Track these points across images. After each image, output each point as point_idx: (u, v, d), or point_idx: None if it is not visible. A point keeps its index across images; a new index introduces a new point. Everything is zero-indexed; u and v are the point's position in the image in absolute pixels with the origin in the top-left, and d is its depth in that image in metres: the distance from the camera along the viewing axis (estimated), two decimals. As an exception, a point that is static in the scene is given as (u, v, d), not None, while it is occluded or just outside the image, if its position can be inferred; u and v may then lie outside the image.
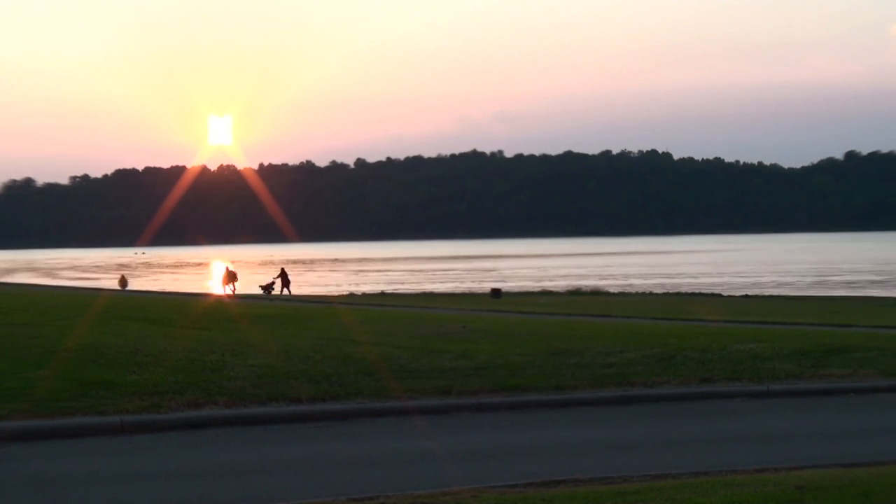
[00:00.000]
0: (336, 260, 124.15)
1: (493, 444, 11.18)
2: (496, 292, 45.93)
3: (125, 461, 10.32)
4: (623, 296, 49.46)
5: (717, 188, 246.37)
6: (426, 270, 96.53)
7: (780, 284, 65.61)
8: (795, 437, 11.78)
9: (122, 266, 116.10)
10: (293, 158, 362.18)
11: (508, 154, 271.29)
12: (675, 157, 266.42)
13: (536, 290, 55.92)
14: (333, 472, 9.87)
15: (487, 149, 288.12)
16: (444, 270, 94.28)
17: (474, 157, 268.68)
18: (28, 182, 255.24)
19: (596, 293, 52.14)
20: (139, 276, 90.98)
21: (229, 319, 21.64)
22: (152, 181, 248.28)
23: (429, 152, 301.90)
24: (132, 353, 15.21)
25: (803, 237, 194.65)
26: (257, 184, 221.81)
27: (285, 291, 44.68)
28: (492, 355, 16.14)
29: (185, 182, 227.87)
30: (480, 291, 52.80)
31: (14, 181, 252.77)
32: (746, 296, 49.58)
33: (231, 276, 47.26)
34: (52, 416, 11.67)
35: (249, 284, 50.23)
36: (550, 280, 67.95)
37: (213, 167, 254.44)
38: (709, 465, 9.69)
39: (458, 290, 56.75)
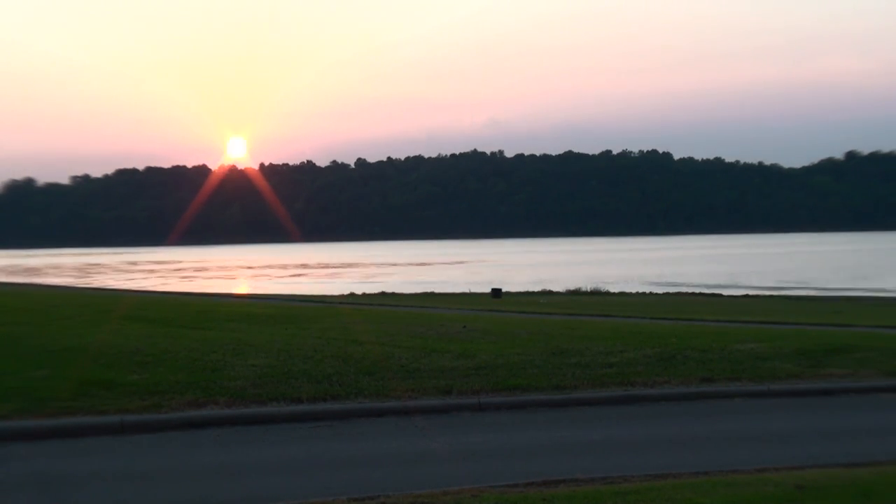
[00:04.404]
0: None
1: (494, 444, 11.20)
2: (496, 292, 45.88)
3: (125, 461, 10.33)
4: (623, 296, 49.40)
5: (717, 188, 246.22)
6: (428, 265, 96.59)
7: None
8: (795, 437, 11.79)
9: None
10: (293, 158, 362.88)
11: (508, 154, 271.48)
12: (675, 157, 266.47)
13: (537, 289, 55.88)
14: (333, 472, 9.88)
15: (487, 149, 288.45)
16: (445, 269, 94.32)
17: (474, 157, 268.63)
18: (29, 182, 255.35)
19: (596, 293, 52.07)
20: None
21: (230, 319, 21.65)
22: (153, 181, 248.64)
23: (429, 152, 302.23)
24: (133, 353, 15.25)
25: (803, 237, 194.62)
26: (259, 183, 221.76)
27: None
28: (492, 355, 16.15)
29: (187, 182, 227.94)
30: (480, 291, 52.76)
31: (15, 181, 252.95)
32: (747, 296, 49.56)
33: None
34: (52, 415, 11.69)
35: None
36: (550, 280, 67.96)
37: (213, 167, 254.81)
38: (709, 465, 9.71)
39: (458, 290, 56.72)
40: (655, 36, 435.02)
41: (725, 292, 53.42)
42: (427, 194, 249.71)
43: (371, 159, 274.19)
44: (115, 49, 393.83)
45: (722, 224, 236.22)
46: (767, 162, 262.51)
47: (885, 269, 79.14)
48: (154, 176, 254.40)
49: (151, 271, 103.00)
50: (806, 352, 16.86)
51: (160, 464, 10.18)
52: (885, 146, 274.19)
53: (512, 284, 61.49)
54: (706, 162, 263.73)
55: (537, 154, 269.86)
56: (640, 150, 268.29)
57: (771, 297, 48.46)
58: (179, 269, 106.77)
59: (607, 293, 52.57)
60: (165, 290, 56.65)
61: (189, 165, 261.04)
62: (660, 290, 55.39)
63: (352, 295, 49.92)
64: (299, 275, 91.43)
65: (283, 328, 19.88)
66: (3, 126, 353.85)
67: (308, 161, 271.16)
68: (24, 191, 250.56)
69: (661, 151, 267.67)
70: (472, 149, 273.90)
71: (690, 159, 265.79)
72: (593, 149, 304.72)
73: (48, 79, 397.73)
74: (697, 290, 54.84)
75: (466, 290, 55.47)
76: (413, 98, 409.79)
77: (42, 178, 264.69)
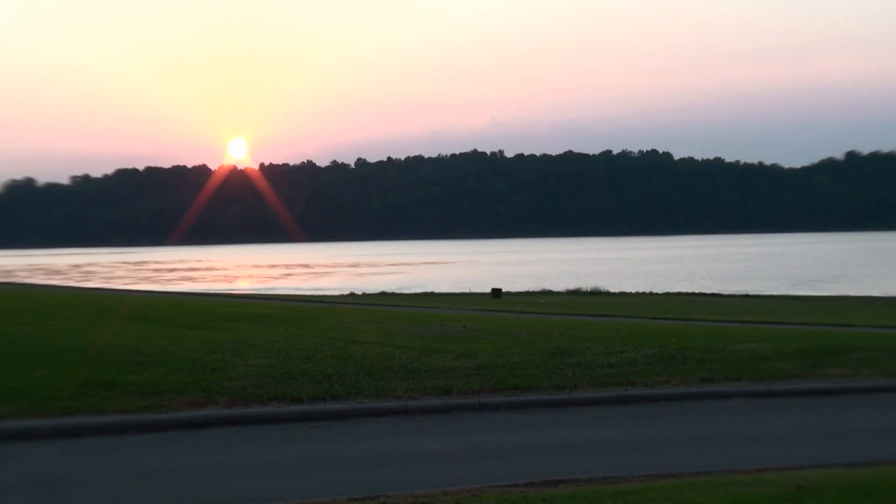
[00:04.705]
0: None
1: (494, 444, 11.19)
2: (496, 292, 45.86)
3: (125, 461, 10.33)
4: (623, 296, 49.36)
5: (717, 188, 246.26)
6: (428, 265, 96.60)
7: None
8: (795, 437, 11.79)
9: None
10: (294, 158, 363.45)
11: (508, 154, 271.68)
12: (675, 157, 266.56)
13: (536, 290, 55.86)
14: (333, 472, 9.88)
15: (487, 149, 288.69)
16: (445, 269, 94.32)
17: (474, 157, 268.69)
18: (29, 182, 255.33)
19: (596, 293, 52.04)
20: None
21: (230, 319, 21.65)
22: (153, 181, 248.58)
23: (429, 152, 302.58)
24: (133, 353, 15.25)
25: (803, 237, 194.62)
26: (260, 183, 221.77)
27: None
28: (492, 355, 16.15)
29: (187, 182, 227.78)
30: (480, 291, 52.73)
31: (15, 181, 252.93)
32: (747, 296, 49.54)
33: None
34: (52, 415, 11.69)
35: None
36: (550, 280, 67.95)
37: (213, 167, 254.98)
38: (709, 465, 9.71)
39: (458, 290, 56.70)
40: (656, 36, 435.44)
41: (725, 292, 53.40)
42: (427, 194, 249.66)
43: (371, 159, 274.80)
44: (116, 49, 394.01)
45: (722, 224, 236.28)
46: (767, 162, 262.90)
47: (884, 269, 79.15)
48: (154, 176, 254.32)
49: (156, 271, 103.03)
50: (806, 352, 16.86)
51: (160, 464, 10.17)
52: (885, 146, 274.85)
53: (512, 284, 61.50)
54: (706, 162, 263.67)
55: (537, 154, 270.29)
56: (640, 150, 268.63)
57: (771, 296, 48.43)
58: (173, 270, 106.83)
59: (607, 293, 52.56)
60: (164, 290, 56.65)
61: (189, 165, 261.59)
62: (660, 290, 55.36)
63: (352, 295, 49.90)
64: (299, 274, 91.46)
65: (283, 328, 19.89)
66: (3, 126, 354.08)
67: (308, 161, 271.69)
68: (24, 191, 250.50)
69: (661, 151, 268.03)
70: (473, 149, 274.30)
71: (690, 159, 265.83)
72: (593, 149, 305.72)
73: (48, 79, 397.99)
74: (697, 290, 54.81)
75: (466, 290, 55.45)
76: (413, 98, 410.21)
77: (42, 178, 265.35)
